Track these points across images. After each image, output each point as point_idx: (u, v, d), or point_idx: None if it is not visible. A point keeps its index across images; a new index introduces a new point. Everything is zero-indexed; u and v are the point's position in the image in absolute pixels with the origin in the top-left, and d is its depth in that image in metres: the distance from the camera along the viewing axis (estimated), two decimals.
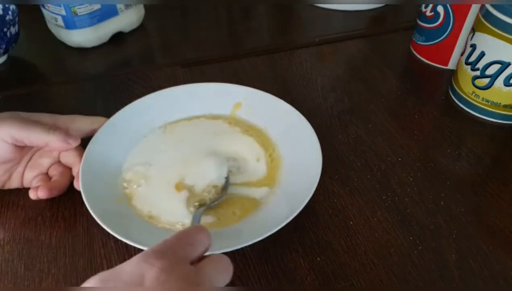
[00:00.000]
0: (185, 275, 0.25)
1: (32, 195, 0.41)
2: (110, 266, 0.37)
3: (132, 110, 0.48)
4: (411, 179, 0.45)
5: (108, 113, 0.46)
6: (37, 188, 0.41)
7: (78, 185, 0.40)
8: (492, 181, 0.45)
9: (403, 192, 0.43)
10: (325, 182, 0.43)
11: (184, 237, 0.28)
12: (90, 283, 0.24)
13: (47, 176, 0.43)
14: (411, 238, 0.39)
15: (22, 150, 0.41)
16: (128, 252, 0.38)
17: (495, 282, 0.36)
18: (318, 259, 0.38)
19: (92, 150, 0.42)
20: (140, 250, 0.36)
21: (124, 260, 0.37)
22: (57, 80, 0.61)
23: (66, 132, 0.40)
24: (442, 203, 0.42)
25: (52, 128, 0.39)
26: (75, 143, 0.40)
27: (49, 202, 0.42)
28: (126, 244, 0.36)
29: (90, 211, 0.37)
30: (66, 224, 0.41)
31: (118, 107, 0.47)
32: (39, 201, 0.42)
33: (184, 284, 0.24)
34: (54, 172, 0.43)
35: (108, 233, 0.36)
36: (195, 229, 0.29)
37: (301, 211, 0.37)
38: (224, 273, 0.27)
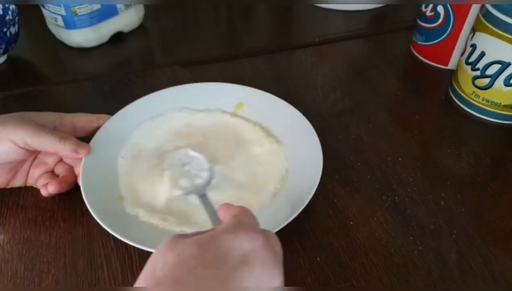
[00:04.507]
0: (274, 251, 0.26)
1: (44, 192, 0.41)
2: (110, 266, 0.37)
3: (132, 110, 0.48)
4: (411, 179, 0.45)
5: (108, 114, 0.46)
6: (46, 184, 0.41)
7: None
8: (492, 181, 0.45)
9: (403, 192, 0.43)
10: (325, 182, 0.43)
11: (248, 213, 0.29)
12: (187, 245, 0.25)
13: (53, 174, 0.44)
14: (411, 238, 0.39)
15: (31, 152, 0.41)
16: (128, 252, 0.38)
17: (495, 282, 0.36)
18: (318, 259, 0.38)
19: (92, 150, 0.42)
20: (140, 250, 0.36)
21: (124, 260, 0.38)
22: (57, 80, 0.60)
23: (77, 142, 0.41)
24: (442, 203, 0.42)
25: (64, 137, 0.40)
26: (85, 153, 0.41)
27: (49, 202, 0.42)
28: (126, 244, 0.36)
29: (90, 211, 0.37)
30: (66, 224, 0.41)
31: (118, 107, 0.47)
32: (39, 201, 0.42)
33: (274, 259, 0.26)
34: (60, 169, 0.43)
35: (108, 233, 0.36)
36: (243, 209, 0.30)
37: (301, 211, 0.37)
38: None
